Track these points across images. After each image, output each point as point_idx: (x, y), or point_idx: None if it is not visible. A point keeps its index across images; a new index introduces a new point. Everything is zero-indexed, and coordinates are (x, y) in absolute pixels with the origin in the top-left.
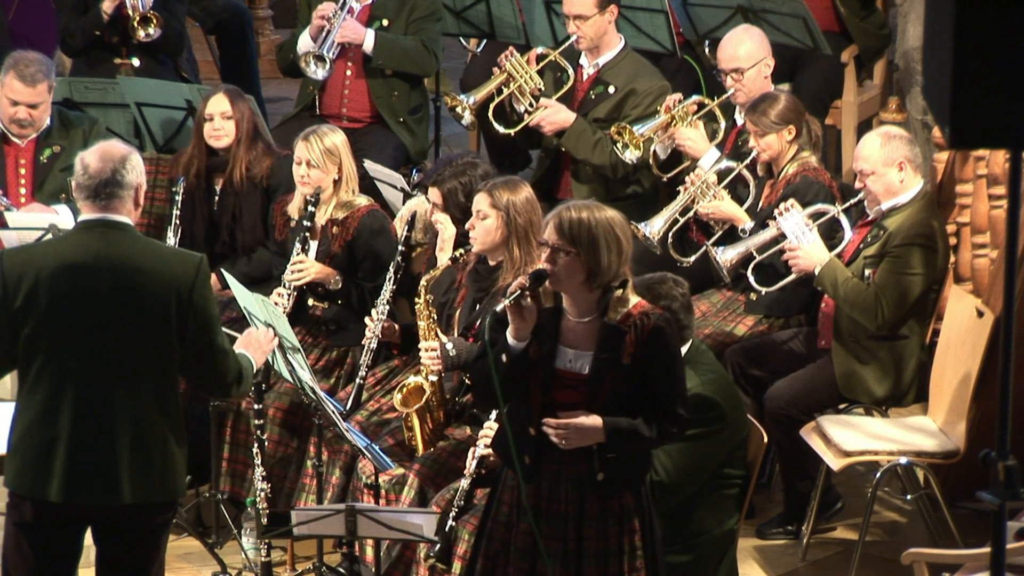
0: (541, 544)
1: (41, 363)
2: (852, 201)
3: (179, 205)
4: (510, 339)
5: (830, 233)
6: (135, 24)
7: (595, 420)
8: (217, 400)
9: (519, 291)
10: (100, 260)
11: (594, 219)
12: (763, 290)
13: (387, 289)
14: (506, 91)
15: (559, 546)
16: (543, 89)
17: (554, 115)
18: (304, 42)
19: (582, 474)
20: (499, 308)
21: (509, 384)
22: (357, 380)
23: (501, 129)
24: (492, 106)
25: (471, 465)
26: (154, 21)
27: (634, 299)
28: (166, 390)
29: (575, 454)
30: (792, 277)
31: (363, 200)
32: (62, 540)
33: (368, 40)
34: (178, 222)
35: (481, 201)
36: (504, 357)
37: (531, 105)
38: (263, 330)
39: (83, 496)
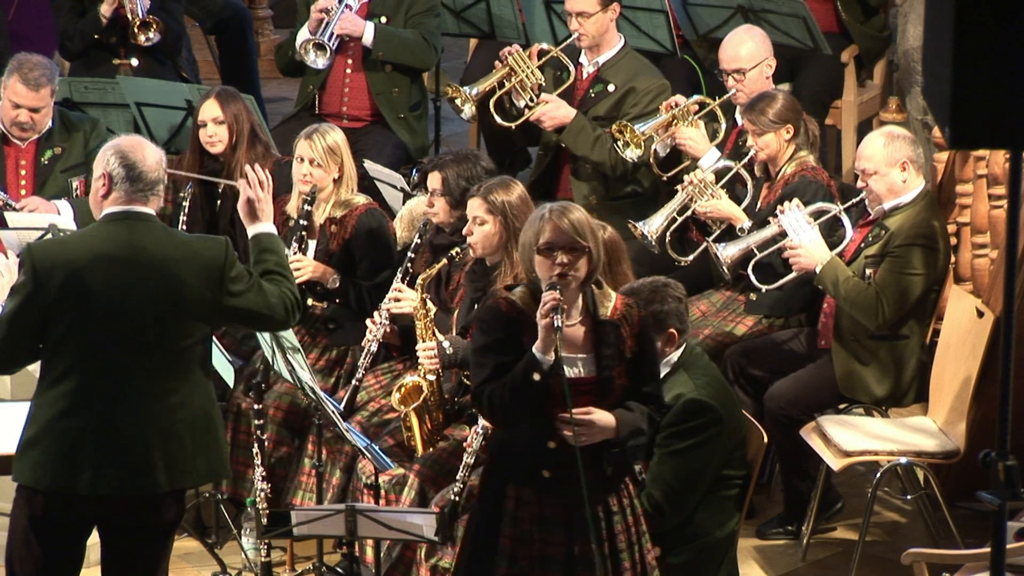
0: (596, 549)
1: (73, 357)
2: (853, 200)
3: (185, 211)
4: (539, 355)
5: (831, 232)
6: (135, 29)
7: (608, 416)
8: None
9: (557, 305)
10: (132, 251)
11: (585, 216)
12: (763, 288)
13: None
14: (507, 85)
15: (599, 549)
16: (544, 84)
17: (554, 110)
18: (303, 37)
19: (600, 476)
20: (548, 328)
21: (535, 403)
22: (353, 383)
23: (501, 120)
24: (493, 100)
25: (462, 471)
26: (154, 26)
27: (612, 293)
28: (200, 375)
29: (592, 458)
30: (793, 275)
31: (361, 199)
32: (73, 537)
33: (367, 32)
34: (184, 228)
35: (477, 207)
36: (537, 376)
37: (531, 100)
38: (255, 176)
39: (116, 487)
